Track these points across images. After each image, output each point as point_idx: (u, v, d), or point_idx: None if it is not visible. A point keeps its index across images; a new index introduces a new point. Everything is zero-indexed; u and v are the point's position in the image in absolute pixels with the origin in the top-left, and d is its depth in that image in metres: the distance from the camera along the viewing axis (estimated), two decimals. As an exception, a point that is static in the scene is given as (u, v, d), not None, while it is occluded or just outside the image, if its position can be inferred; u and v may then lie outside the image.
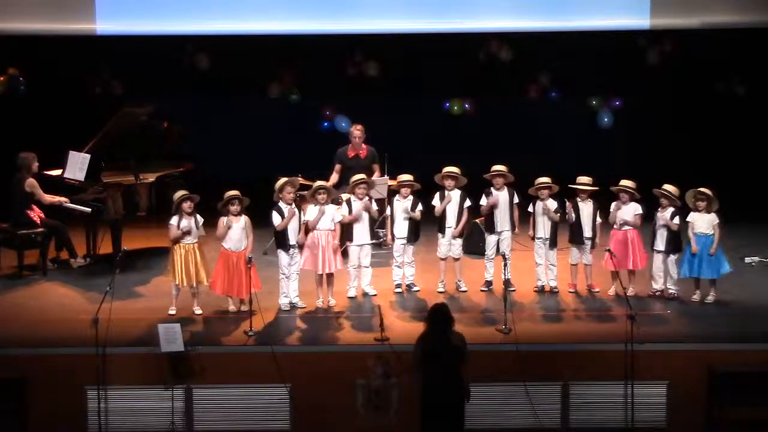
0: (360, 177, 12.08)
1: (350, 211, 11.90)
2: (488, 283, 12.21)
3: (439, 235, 12.18)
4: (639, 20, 15.17)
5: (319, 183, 11.87)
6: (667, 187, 11.74)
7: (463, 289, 12.16)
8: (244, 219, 11.47)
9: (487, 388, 10.30)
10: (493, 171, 12.04)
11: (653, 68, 17.19)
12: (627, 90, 17.49)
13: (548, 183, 11.96)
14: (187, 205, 11.40)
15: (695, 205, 11.69)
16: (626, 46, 16.75)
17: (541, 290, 12.10)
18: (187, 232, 11.35)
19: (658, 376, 10.47)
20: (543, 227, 11.95)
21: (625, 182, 11.90)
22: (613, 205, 11.94)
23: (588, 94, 17.62)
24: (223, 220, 11.42)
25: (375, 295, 12.00)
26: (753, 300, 11.92)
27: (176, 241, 11.37)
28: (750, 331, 10.95)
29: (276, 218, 11.51)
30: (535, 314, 11.52)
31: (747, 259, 13.37)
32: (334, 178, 13.57)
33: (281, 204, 11.54)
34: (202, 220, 11.54)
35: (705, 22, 15.04)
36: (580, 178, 12.06)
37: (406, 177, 12.14)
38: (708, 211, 11.63)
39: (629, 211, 11.82)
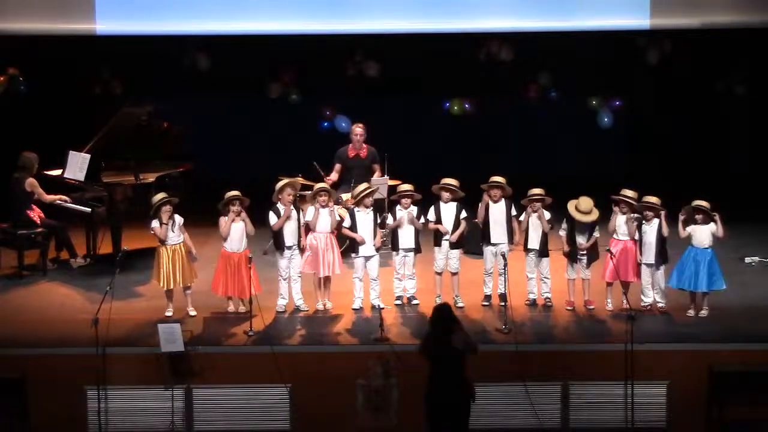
0: (365, 187, 11.73)
1: (353, 222, 11.55)
2: (487, 297, 11.77)
3: (435, 248, 11.73)
4: (639, 20, 15.14)
5: (320, 185, 11.77)
6: (626, 191, 11.32)
7: (460, 305, 11.63)
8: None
9: (487, 388, 10.30)
10: (491, 182, 11.63)
11: (653, 68, 17.18)
12: (627, 90, 17.49)
13: (541, 194, 11.52)
14: (165, 208, 11.28)
15: (694, 218, 11.25)
16: (626, 46, 16.75)
17: (532, 303, 11.70)
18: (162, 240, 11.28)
19: (658, 376, 10.48)
20: (534, 239, 11.54)
21: (626, 191, 11.34)
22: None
23: (588, 94, 17.61)
24: (223, 219, 11.38)
25: (383, 308, 11.26)
26: (753, 300, 11.91)
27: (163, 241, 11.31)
28: (750, 331, 10.95)
29: (272, 218, 11.42)
30: (532, 322, 11.31)
31: (747, 259, 13.35)
32: (334, 177, 13.55)
33: (279, 205, 11.47)
34: (182, 220, 11.43)
35: (705, 22, 15.02)
36: (582, 199, 11.45)
37: (406, 187, 11.70)
38: (706, 222, 11.24)
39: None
